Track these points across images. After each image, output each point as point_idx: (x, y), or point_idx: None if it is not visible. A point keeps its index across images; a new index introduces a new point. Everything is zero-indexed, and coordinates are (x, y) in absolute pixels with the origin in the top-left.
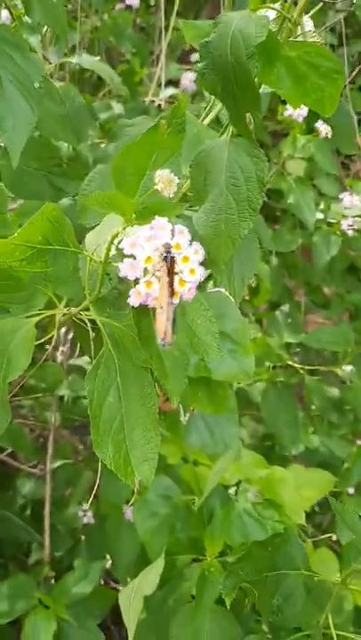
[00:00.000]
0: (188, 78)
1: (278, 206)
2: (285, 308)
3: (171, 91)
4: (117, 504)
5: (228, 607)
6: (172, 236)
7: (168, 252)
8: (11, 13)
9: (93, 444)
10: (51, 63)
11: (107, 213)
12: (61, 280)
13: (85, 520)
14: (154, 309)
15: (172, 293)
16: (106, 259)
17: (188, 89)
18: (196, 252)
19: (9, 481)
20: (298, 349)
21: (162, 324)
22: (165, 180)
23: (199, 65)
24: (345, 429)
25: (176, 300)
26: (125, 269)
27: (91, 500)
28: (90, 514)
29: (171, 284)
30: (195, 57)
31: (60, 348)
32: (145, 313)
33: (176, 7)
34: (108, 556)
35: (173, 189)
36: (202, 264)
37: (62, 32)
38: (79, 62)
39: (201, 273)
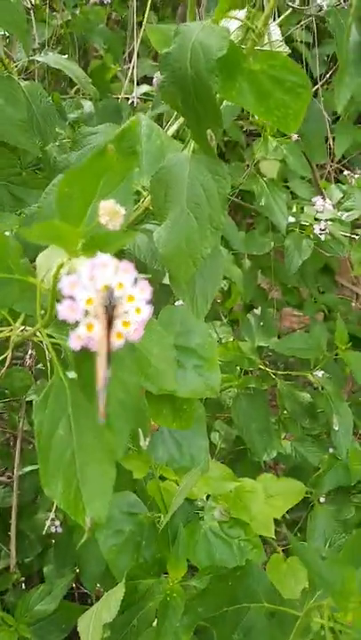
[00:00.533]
0: (160, 77)
1: (252, 207)
2: (258, 311)
3: (145, 88)
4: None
5: None
6: (116, 273)
7: (110, 298)
8: None
9: (41, 479)
10: (15, 62)
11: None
12: (6, 307)
13: (53, 529)
14: (94, 353)
15: (108, 343)
16: (54, 288)
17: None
18: (142, 291)
19: None
20: (270, 352)
21: (101, 373)
22: (110, 212)
23: (160, 76)
24: (318, 433)
25: (120, 343)
26: (64, 312)
27: (58, 509)
28: (57, 523)
29: (108, 335)
30: None
31: (29, 352)
32: (86, 357)
33: (149, 2)
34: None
35: (119, 221)
36: (149, 302)
37: (21, 34)
38: (45, 61)
39: (148, 311)
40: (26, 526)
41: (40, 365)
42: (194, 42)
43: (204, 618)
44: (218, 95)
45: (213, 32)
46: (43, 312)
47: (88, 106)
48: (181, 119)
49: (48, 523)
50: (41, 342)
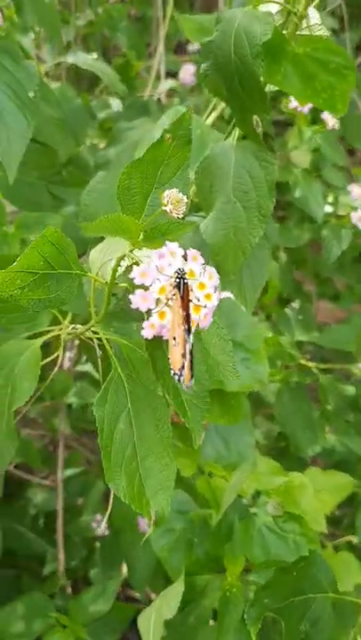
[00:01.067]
0: (187, 71)
1: (283, 199)
2: (296, 304)
3: (170, 83)
4: (132, 514)
5: (254, 638)
6: (185, 261)
7: (181, 280)
8: (2, 14)
9: (105, 475)
10: (45, 63)
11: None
12: (66, 303)
13: (100, 532)
14: (167, 341)
15: (189, 327)
16: (112, 281)
17: (187, 82)
18: (211, 277)
19: (20, 491)
20: (311, 346)
21: (176, 357)
22: (174, 201)
23: (202, 65)
24: None
25: (192, 330)
26: (137, 301)
27: (103, 510)
28: (104, 525)
29: (187, 317)
30: (192, 47)
31: (67, 354)
32: (159, 344)
33: None
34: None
35: (182, 209)
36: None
37: (55, 32)
38: (75, 61)
39: (217, 298)
40: (71, 529)
41: (79, 367)
42: (237, 28)
43: (270, 609)
44: (262, 79)
45: (256, 17)
46: (95, 308)
47: (116, 104)
48: (218, 110)
49: (94, 525)
50: (90, 340)
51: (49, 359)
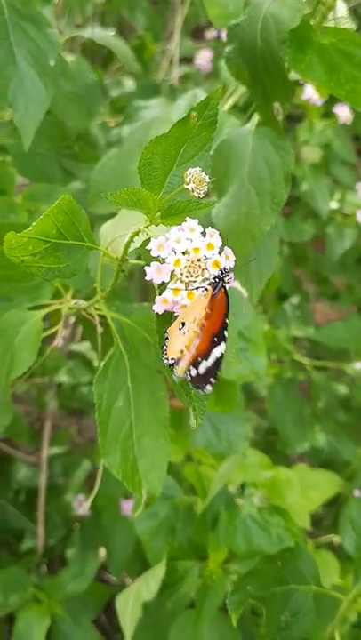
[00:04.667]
0: (204, 57)
1: (291, 194)
2: (294, 300)
3: (184, 69)
4: (115, 497)
5: (235, 624)
6: (204, 237)
7: (221, 281)
8: None
9: (100, 450)
10: (62, 35)
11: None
12: (75, 275)
13: (81, 511)
14: (177, 317)
15: (223, 335)
16: (124, 256)
17: (203, 68)
18: (228, 258)
19: (3, 466)
20: (307, 343)
21: (176, 345)
22: (197, 180)
23: (226, 49)
24: (351, 426)
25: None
26: (152, 273)
27: (86, 490)
28: (85, 505)
29: (223, 324)
30: (210, 34)
31: (62, 333)
32: (169, 321)
33: None
34: (102, 548)
35: (204, 189)
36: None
37: (78, 3)
38: (91, 36)
39: (231, 279)
40: (52, 508)
41: (72, 347)
42: (265, 13)
43: (253, 596)
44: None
45: (285, 4)
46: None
47: (130, 84)
48: (235, 96)
49: (76, 504)
50: (91, 317)
51: (47, 333)
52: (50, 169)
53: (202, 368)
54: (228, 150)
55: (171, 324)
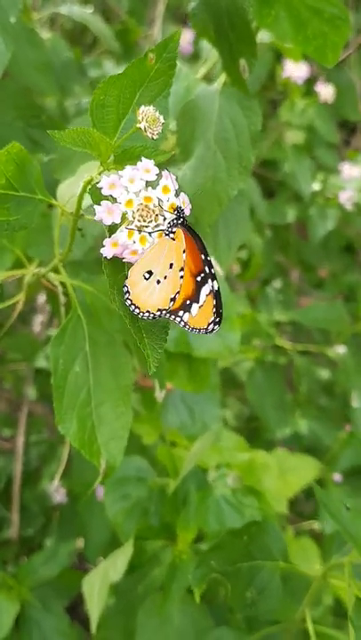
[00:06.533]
0: (184, 39)
1: (274, 178)
2: (277, 284)
3: None
4: (89, 482)
5: (198, 599)
6: (159, 179)
7: (183, 219)
8: None
9: (56, 417)
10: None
11: (82, 163)
12: (25, 230)
13: (58, 498)
14: (128, 264)
15: (210, 273)
16: (77, 210)
17: (183, 50)
18: (184, 203)
19: None
20: (289, 328)
21: (161, 297)
22: (149, 118)
23: (190, 4)
24: (333, 412)
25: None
26: (101, 212)
27: (63, 477)
28: (63, 492)
29: (208, 263)
30: None
31: (39, 318)
32: (120, 266)
33: None
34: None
35: (158, 130)
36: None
37: None
38: (69, 14)
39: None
40: (29, 497)
41: (50, 332)
42: None
43: (217, 571)
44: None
45: None
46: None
47: (110, 66)
48: (210, 62)
49: (53, 492)
50: (54, 286)
51: (8, 303)
52: (16, 138)
53: (194, 310)
54: (195, 111)
55: (123, 272)
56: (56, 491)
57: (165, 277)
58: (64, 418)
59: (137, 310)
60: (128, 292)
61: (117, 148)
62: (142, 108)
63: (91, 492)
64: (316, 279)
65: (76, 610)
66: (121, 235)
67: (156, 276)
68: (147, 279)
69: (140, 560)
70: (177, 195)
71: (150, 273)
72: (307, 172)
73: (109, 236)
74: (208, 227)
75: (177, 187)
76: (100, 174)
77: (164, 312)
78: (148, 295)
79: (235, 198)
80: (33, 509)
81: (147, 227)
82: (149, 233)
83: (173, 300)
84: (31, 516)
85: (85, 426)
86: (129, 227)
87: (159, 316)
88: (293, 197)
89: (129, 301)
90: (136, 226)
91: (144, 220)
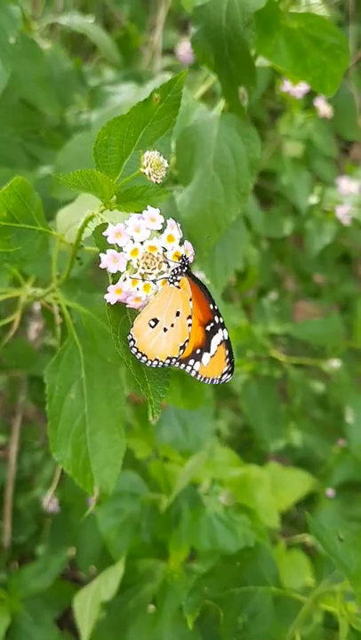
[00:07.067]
0: (185, 48)
1: (272, 189)
2: (273, 295)
3: (168, 61)
4: (82, 493)
5: (191, 626)
6: (164, 227)
7: (181, 267)
8: None
9: (50, 444)
10: (39, 23)
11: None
12: (26, 261)
13: (51, 507)
14: (131, 310)
15: (220, 322)
16: (77, 242)
17: (184, 60)
18: (188, 251)
19: None
20: (284, 340)
21: (170, 344)
22: (154, 164)
23: (192, 31)
24: (327, 425)
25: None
26: (107, 261)
27: (56, 487)
28: (55, 501)
29: (216, 312)
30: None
31: (35, 326)
32: (122, 311)
33: None
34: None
35: (162, 174)
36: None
37: None
38: (69, 24)
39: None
40: (22, 504)
41: (45, 341)
42: None
43: (210, 598)
44: (253, 52)
45: None
46: (59, 273)
47: (110, 74)
48: (209, 83)
49: (45, 501)
50: (51, 306)
51: (5, 321)
52: (14, 154)
53: (205, 359)
54: (194, 137)
55: (125, 316)
56: (49, 499)
57: (172, 325)
58: (59, 445)
59: (144, 358)
60: (133, 339)
61: (120, 187)
62: (147, 153)
63: (84, 503)
64: (312, 288)
65: (67, 617)
66: (125, 283)
67: (162, 324)
68: (152, 327)
69: (132, 578)
70: (181, 243)
71: (156, 321)
72: (305, 186)
73: (113, 283)
74: (206, 251)
75: (181, 236)
76: (102, 212)
77: (173, 360)
78: (155, 343)
79: (233, 223)
80: (25, 516)
81: (150, 274)
82: (153, 281)
83: (183, 347)
84: (23, 523)
85: (80, 453)
86: (133, 275)
87: (169, 365)
88: (290, 210)
89: (135, 349)
90: (140, 273)
91: (148, 268)
